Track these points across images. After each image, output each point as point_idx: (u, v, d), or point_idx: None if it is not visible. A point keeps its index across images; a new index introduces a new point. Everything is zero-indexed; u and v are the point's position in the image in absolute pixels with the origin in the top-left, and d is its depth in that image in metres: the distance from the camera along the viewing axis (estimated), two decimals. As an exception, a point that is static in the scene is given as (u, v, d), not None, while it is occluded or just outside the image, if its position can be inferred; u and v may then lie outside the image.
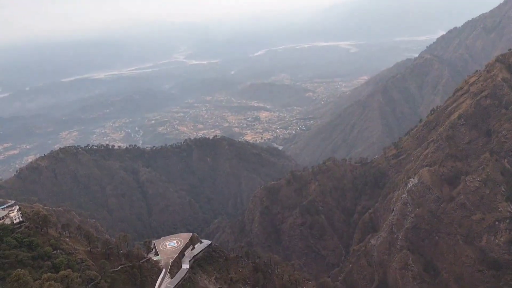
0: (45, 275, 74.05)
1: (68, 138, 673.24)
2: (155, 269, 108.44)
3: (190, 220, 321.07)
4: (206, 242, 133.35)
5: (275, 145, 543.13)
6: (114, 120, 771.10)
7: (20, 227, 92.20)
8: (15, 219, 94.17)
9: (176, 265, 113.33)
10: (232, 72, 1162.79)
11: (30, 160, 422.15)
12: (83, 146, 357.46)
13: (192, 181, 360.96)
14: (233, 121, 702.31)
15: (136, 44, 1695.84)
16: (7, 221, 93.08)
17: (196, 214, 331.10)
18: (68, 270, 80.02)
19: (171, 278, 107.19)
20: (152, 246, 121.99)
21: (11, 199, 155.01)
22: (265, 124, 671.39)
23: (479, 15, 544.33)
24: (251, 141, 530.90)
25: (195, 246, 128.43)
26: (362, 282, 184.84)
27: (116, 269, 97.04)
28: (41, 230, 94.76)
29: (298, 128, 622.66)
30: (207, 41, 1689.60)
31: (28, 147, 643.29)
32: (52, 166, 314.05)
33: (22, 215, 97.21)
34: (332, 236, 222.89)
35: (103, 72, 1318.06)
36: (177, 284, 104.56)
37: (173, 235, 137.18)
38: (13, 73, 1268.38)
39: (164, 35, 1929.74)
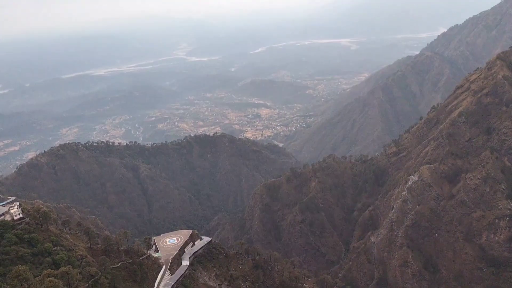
0: (45, 271, 74.10)
1: (68, 134, 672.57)
2: (155, 265, 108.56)
3: (190, 217, 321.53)
4: (206, 239, 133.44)
5: (276, 142, 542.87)
6: (114, 117, 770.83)
7: (21, 223, 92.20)
8: (16, 216, 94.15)
9: (176, 261, 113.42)
10: (233, 69, 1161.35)
11: (30, 156, 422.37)
12: (83, 143, 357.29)
13: (192, 178, 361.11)
14: (234, 118, 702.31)
15: (136, 40, 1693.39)
16: (8, 218, 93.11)
17: (196, 211, 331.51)
18: (69, 266, 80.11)
19: (171, 275, 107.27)
20: (152, 242, 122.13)
21: (11, 196, 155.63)
22: (266, 121, 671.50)
23: (480, 13, 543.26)
24: (251, 138, 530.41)
25: (195, 243, 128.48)
26: (362, 279, 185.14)
27: (116, 266, 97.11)
28: (42, 227, 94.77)
29: (299, 125, 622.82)
30: (207, 38, 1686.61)
31: (28, 143, 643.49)
32: (52, 162, 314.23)
33: (23, 212, 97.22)
34: (332, 233, 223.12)
35: (103, 69, 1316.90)
36: (177, 281, 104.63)
37: (173, 232, 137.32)
38: (13, 70, 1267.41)
39: (164, 31, 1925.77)
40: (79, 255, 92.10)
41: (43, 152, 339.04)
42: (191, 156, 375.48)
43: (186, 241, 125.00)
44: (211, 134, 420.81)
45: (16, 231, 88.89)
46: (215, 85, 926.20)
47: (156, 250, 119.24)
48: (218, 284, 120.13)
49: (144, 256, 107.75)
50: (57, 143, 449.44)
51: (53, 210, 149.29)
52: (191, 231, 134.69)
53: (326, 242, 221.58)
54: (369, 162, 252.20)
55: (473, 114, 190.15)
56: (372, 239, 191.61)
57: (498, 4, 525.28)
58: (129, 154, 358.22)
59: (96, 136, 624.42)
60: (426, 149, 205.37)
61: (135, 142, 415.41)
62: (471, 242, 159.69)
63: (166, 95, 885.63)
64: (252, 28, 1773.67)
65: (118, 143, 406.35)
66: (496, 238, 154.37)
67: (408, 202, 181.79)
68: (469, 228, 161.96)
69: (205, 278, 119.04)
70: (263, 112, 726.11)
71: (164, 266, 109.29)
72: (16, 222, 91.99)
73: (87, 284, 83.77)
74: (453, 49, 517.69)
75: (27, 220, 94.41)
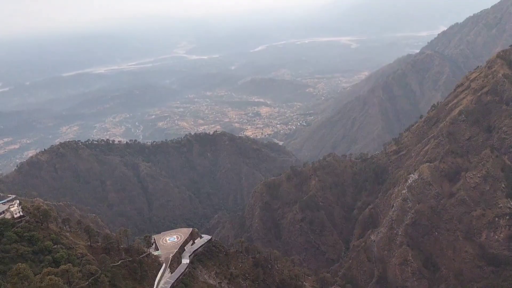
0: (45, 269, 74.08)
1: (69, 133, 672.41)
2: (155, 264, 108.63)
3: (190, 215, 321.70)
4: (206, 237, 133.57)
5: (276, 141, 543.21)
6: (114, 115, 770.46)
7: (21, 221, 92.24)
8: (16, 214, 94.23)
9: (176, 260, 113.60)
10: (233, 67, 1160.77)
11: (30, 154, 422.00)
12: (83, 141, 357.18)
13: (192, 177, 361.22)
14: (234, 117, 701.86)
15: (136, 39, 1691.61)
16: (8, 216, 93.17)
17: (196, 209, 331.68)
18: (69, 264, 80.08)
19: (171, 273, 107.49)
20: (152, 241, 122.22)
21: (11, 194, 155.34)
22: (266, 120, 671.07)
23: (481, 11, 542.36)
24: (251, 136, 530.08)
25: (195, 241, 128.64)
26: (361, 278, 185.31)
27: (116, 264, 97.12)
28: (42, 225, 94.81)
29: (299, 124, 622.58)
30: (207, 36, 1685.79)
31: (28, 141, 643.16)
32: (52, 161, 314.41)
33: (23, 210, 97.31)
34: (332, 232, 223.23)
35: (104, 67, 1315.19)
36: (177, 279, 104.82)
37: (173, 230, 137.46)
38: (13, 68, 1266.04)
39: (164, 30, 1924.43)
40: (79, 253, 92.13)
41: (43, 150, 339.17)
42: (191, 154, 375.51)
43: (186, 239, 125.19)
44: (211, 133, 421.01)
45: (16, 229, 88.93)
46: (215, 83, 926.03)
47: (156, 248, 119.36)
48: (218, 282, 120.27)
49: (144, 254, 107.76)
50: (57, 141, 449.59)
51: (53, 208, 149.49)
52: (191, 229, 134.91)
53: (326, 240, 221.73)
54: (369, 160, 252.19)
55: (473, 112, 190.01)
56: (372, 237, 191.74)
57: (498, 2, 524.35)
58: (129, 153, 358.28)
59: (96, 134, 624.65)
60: (426, 147, 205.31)
61: (135, 140, 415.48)
62: (471, 240, 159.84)
63: (166, 93, 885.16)
64: (252, 26, 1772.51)
65: (118, 141, 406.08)
66: (496, 237, 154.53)
67: (408, 200, 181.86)
68: (469, 227, 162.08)
69: (205, 276, 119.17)
70: (263, 110, 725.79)
71: (164, 264, 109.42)
72: (16, 220, 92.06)
73: (87, 282, 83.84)
74: (453, 48, 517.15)
75: (27, 218, 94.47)
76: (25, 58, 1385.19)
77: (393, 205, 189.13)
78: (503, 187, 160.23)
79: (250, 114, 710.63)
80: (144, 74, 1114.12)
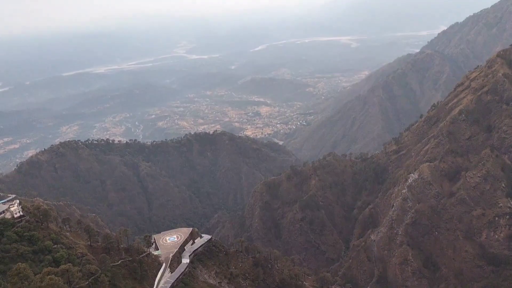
0: (45, 269, 74.04)
1: (69, 132, 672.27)
2: (155, 263, 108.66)
3: (190, 215, 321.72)
4: (206, 237, 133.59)
5: (276, 140, 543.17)
6: (114, 114, 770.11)
7: (21, 221, 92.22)
8: (16, 214, 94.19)
9: (176, 259, 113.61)
10: (233, 67, 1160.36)
11: (30, 154, 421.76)
12: (83, 141, 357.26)
13: (192, 176, 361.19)
14: (234, 116, 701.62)
15: (136, 38, 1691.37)
16: (8, 216, 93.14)
17: (196, 209, 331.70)
18: (69, 264, 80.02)
19: (171, 273, 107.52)
20: (152, 240, 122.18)
21: (11, 194, 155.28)
22: (266, 119, 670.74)
23: (481, 10, 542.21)
24: (251, 136, 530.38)
25: (195, 240, 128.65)
26: (361, 277, 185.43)
27: (116, 264, 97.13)
28: (42, 225, 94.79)
29: (299, 123, 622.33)
30: (207, 35, 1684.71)
31: (28, 141, 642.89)
32: (52, 160, 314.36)
33: (23, 210, 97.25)
34: (332, 231, 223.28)
35: (104, 67, 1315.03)
36: (177, 279, 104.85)
37: (173, 230, 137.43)
38: (13, 68, 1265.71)
39: (164, 30, 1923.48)
40: (79, 253, 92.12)
41: (43, 150, 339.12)
42: (191, 154, 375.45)
43: (186, 239, 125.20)
44: (211, 132, 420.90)
45: (16, 229, 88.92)
46: (215, 83, 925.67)
47: (156, 248, 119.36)
48: (218, 282, 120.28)
49: (144, 254, 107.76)
50: (57, 141, 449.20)
51: (53, 208, 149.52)
52: (191, 229, 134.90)
53: (326, 240, 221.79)
54: (369, 160, 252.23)
55: (473, 112, 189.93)
56: (372, 237, 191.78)
57: (498, 2, 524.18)
58: (129, 152, 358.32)
59: (96, 134, 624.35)
60: (426, 147, 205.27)
61: (135, 140, 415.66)
62: (471, 240, 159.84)
63: (166, 93, 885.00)
64: (252, 26, 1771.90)
65: (118, 141, 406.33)
66: (496, 236, 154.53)
67: (408, 200, 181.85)
68: (469, 226, 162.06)
69: (205, 276, 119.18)
70: (263, 110, 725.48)
71: (164, 264, 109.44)
72: (16, 220, 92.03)
73: (87, 282, 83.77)
74: (454, 47, 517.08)
75: (27, 218, 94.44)
76: (25, 58, 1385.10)
77: (393, 205, 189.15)
78: (503, 187, 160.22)
79: (250, 113, 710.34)
80: (144, 73, 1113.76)
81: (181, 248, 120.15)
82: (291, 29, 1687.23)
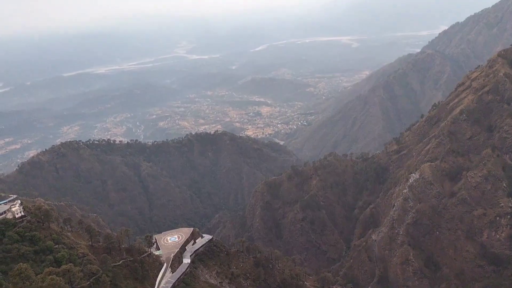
0: (47, 269, 74.17)
1: (69, 132, 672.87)
2: (157, 263, 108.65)
3: (191, 215, 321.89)
4: (207, 237, 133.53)
5: (276, 140, 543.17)
6: (115, 115, 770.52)
7: (22, 221, 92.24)
8: (17, 214, 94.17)
9: (177, 259, 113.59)
10: (233, 67, 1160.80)
11: (31, 154, 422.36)
12: (84, 141, 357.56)
13: (193, 176, 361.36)
14: (234, 116, 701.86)
15: (137, 39, 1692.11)
16: (9, 216, 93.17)
17: (197, 209, 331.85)
18: (70, 264, 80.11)
19: (173, 273, 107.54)
20: (154, 240, 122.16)
21: (12, 194, 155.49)
22: (266, 119, 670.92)
23: (482, 10, 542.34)
24: (252, 136, 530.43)
25: (196, 240, 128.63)
26: (362, 277, 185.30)
27: (118, 264, 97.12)
28: (43, 225, 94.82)
29: (299, 123, 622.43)
30: (208, 36, 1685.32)
31: (29, 141, 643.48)
32: (53, 160, 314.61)
33: (24, 210, 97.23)
34: (333, 231, 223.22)
35: (104, 67, 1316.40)
36: (178, 279, 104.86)
37: (174, 230, 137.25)
38: (14, 68, 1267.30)
39: (165, 29, 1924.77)
40: (80, 253, 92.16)
41: (44, 150, 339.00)
42: (192, 154, 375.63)
43: (187, 239, 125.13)
44: (212, 132, 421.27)
45: (17, 229, 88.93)
46: (216, 83, 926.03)
47: (157, 248, 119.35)
48: (219, 282, 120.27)
49: (145, 254, 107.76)
50: (58, 141, 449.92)
51: (54, 208, 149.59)
52: (192, 229, 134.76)
53: (327, 240, 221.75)
54: (370, 160, 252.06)
55: (474, 112, 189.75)
56: (373, 237, 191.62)
57: (499, 1, 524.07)
58: (130, 152, 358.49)
59: (97, 134, 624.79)
60: (427, 147, 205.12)
61: (136, 140, 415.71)
62: (472, 240, 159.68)
63: (166, 93, 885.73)
64: (253, 26, 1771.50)
65: (119, 141, 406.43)
66: (497, 236, 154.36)
67: (409, 200, 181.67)
68: (470, 226, 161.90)
69: (206, 276, 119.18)
70: (264, 110, 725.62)
71: (165, 264, 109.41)
72: (17, 220, 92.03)
73: (89, 282, 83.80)
74: (454, 47, 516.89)
75: (29, 218, 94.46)
76: (25, 58, 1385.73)
77: (394, 205, 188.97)
78: (504, 187, 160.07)
79: (251, 113, 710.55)
80: (144, 74, 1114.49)
81: (182, 248, 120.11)
82: (291, 29, 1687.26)
